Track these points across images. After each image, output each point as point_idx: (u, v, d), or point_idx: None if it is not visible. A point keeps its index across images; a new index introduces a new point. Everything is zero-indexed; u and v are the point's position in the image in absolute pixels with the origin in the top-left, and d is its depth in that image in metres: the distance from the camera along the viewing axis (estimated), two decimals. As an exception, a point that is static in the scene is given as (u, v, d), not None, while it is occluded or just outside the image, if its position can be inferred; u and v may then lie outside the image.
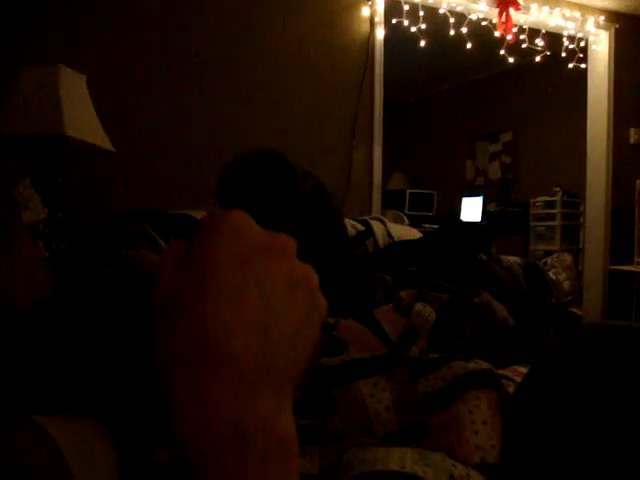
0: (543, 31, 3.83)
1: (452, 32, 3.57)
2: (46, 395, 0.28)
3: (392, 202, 6.32)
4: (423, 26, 3.45)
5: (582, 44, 4.06)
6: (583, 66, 4.13)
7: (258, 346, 0.24)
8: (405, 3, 3.36)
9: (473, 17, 3.58)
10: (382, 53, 3.30)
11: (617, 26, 4.08)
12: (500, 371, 1.08)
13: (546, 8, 3.79)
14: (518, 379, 1.06)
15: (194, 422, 0.22)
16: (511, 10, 3.55)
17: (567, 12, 3.88)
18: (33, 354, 0.34)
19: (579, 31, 3.99)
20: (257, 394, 0.23)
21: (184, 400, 0.23)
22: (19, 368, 0.32)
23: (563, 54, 4.03)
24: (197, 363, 0.23)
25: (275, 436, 0.23)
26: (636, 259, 4.08)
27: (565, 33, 3.96)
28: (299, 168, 1.18)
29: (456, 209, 6.39)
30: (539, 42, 3.83)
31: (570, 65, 4.07)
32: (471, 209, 6.22)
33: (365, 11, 3.24)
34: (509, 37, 3.63)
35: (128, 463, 0.25)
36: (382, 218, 2.75)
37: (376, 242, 2.41)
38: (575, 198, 5.14)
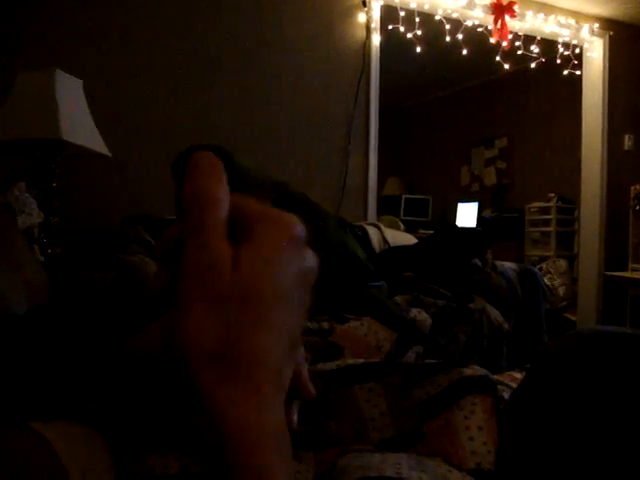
0: (538, 38, 3.85)
1: (448, 38, 3.58)
2: (42, 401, 0.28)
3: (388, 207, 6.32)
4: (419, 32, 3.46)
5: (577, 51, 4.08)
6: (578, 73, 4.15)
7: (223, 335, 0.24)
8: (401, 9, 3.37)
9: (469, 24, 3.59)
10: (378, 59, 3.31)
11: (611, 33, 4.11)
12: (495, 377, 1.08)
13: (541, 15, 3.82)
14: (513, 385, 1.06)
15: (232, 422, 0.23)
16: (506, 17, 3.58)
17: (562, 19, 3.91)
18: (28, 359, 0.34)
19: (574, 38, 4.02)
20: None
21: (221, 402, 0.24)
22: (14, 374, 0.32)
23: (558, 61, 4.05)
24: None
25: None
26: (630, 265, 4.09)
27: (560, 40, 3.99)
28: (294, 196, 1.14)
29: (451, 215, 6.40)
30: (534, 49, 3.85)
31: (565, 72, 4.09)
32: (466, 215, 6.22)
33: (361, 17, 3.25)
34: (504, 44, 3.65)
35: (124, 469, 0.25)
36: (378, 224, 2.76)
37: (372, 247, 2.41)
38: (570, 204, 5.16)
